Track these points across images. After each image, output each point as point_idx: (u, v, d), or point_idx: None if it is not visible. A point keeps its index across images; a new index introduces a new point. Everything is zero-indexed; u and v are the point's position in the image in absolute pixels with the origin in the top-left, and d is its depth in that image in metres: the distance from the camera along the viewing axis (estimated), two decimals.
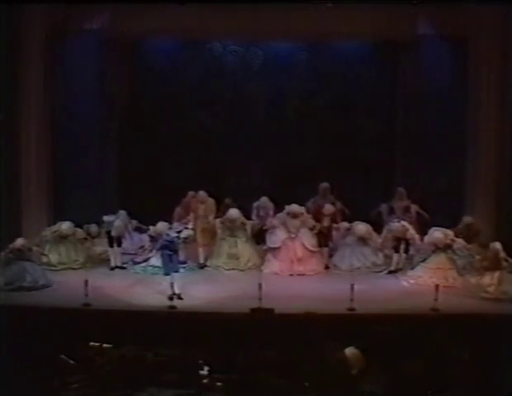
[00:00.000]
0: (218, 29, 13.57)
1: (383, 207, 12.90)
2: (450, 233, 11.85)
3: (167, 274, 10.77)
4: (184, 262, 12.06)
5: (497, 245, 11.05)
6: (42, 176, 13.18)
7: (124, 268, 12.33)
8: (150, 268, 12.01)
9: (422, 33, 13.69)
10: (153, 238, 12.03)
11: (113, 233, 12.27)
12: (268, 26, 13.42)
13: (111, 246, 12.34)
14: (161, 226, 11.69)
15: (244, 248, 12.59)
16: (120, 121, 15.07)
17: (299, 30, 13.55)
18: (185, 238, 11.34)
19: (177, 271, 10.88)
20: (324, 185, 13.00)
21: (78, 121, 14.00)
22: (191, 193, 13.06)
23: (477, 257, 11.58)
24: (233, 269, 12.41)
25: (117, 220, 12.31)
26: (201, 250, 12.57)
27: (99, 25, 13.46)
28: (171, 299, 10.20)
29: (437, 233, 11.79)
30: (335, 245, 12.79)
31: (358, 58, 15.19)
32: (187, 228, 11.59)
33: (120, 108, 15.10)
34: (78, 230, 12.59)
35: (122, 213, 12.48)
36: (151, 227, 12.15)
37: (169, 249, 10.89)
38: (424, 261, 11.83)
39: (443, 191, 13.66)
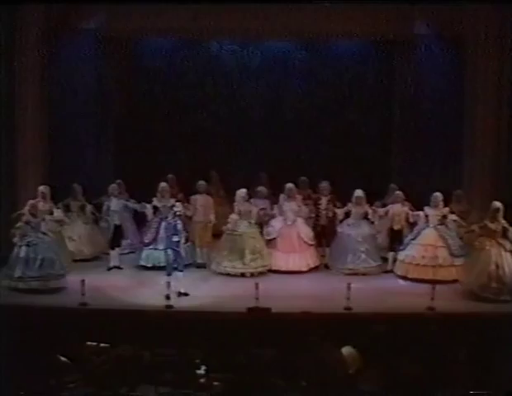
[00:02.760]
0: (215, 28, 13.55)
1: (376, 204, 12.91)
2: (447, 209, 11.91)
3: (169, 274, 10.81)
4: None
5: (497, 203, 10.94)
6: (39, 174, 13.15)
7: (121, 268, 12.31)
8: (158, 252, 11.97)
9: (419, 32, 13.71)
10: (156, 209, 12.06)
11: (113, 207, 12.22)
12: (266, 26, 13.42)
13: (112, 248, 12.33)
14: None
15: (248, 238, 12.03)
16: (117, 120, 15.10)
17: (296, 29, 13.56)
18: (178, 211, 11.19)
19: (181, 271, 10.92)
20: (324, 184, 12.93)
21: (75, 120, 14.02)
22: (170, 176, 13.01)
23: (474, 226, 11.29)
24: (238, 264, 11.85)
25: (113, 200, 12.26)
26: (198, 250, 12.55)
27: (96, 24, 13.47)
28: (168, 298, 10.21)
29: (437, 193, 11.82)
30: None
31: (356, 58, 15.24)
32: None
33: (117, 107, 15.12)
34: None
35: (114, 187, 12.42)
36: (154, 199, 12.10)
37: (174, 247, 10.85)
38: (414, 239, 11.85)
39: (440, 190, 13.62)
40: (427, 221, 11.85)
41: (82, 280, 10.22)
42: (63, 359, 8.16)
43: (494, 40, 12.93)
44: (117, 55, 14.75)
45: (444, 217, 11.80)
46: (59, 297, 10.63)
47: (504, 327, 9.23)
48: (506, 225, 10.83)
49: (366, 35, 13.94)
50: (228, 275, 11.86)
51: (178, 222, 11.06)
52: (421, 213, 11.97)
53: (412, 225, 12.27)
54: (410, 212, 12.13)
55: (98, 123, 14.61)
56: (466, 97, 13.47)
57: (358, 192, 12.18)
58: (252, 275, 11.77)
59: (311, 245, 12.40)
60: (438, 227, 11.75)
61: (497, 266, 10.68)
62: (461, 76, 13.50)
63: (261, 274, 11.85)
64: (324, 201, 12.60)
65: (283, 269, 12.12)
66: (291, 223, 12.31)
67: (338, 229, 12.38)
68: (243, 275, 11.81)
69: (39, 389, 7.68)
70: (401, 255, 11.94)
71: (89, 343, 8.55)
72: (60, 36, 13.31)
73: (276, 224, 12.41)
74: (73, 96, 13.89)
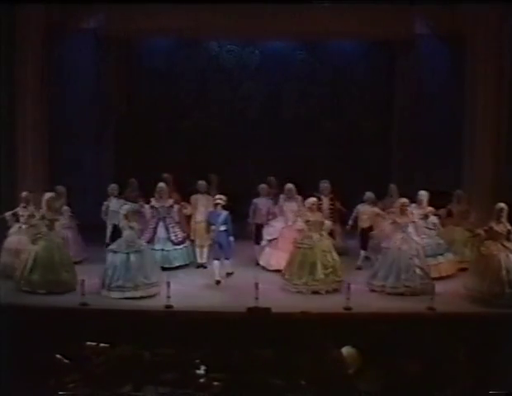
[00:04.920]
0: (215, 28, 13.57)
1: (379, 206, 12.89)
2: (431, 209, 11.82)
3: (217, 259, 11.30)
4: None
5: (501, 204, 10.76)
6: (39, 174, 13.17)
7: None
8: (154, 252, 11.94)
9: (420, 32, 13.72)
10: (155, 209, 12.13)
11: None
12: (265, 25, 13.44)
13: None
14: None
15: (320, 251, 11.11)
16: (116, 120, 15.11)
17: (296, 29, 13.57)
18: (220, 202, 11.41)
19: (227, 259, 11.45)
20: (326, 184, 12.92)
21: (75, 120, 14.02)
22: (166, 175, 12.94)
23: (479, 230, 10.99)
24: (310, 281, 10.94)
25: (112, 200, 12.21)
26: (198, 250, 12.53)
27: (96, 24, 13.48)
28: (169, 297, 10.18)
29: (422, 191, 11.81)
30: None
31: (356, 58, 15.25)
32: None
33: (117, 107, 15.13)
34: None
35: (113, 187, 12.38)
36: (152, 199, 12.14)
37: (222, 237, 11.24)
38: None
39: (439, 190, 13.63)
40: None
41: (82, 281, 10.23)
42: (63, 359, 8.17)
43: (494, 40, 12.94)
44: (117, 55, 14.78)
45: (426, 216, 11.78)
46: (59, 297, 10.62)
47: (505, 327, 9.23)
48: (510, 228, 10.80)
49: (366, 35, 13.94)
50: (299, 293, 10.91)
51: (223, 212, 11.33)
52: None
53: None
54: (381, 212, 12.13)
55: (98, 123, 14.61)
56: (466, 97, 13.48)
57: (403, 199, 11.35)
58: (327, 292, 10.87)
59: None
60: (418, 224, 11.59)
61: (507, 271, 10.44)
62: (461, 76, 13.51)
63: (336, 290, 10.89)
64: (325, 201, 12.58)
65: None
66: (291, 224, 12.30)
67: (384, 244, 11.39)
68: (316, 292, 10.87)
69: (39, 389, 7.68)
70: None
71: (89, 343, 8.55)
72: (60, 36, 13.33)
73: (276, 225, 12.41)
74: (73, 96, 13.90)
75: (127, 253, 10.71)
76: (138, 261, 10.70)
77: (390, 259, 11.01)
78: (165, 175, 13.22)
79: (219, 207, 11.39)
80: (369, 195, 12.31)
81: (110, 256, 10.81)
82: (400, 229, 11.14)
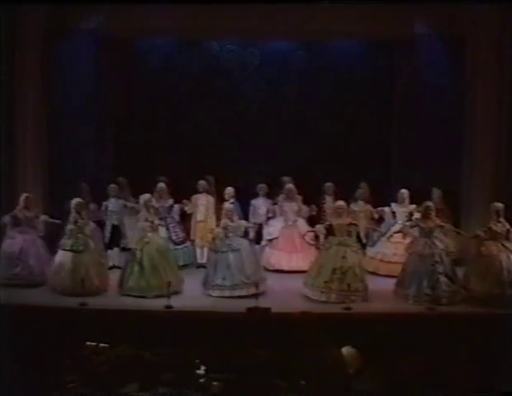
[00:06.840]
0: (215, 28, 13.56)
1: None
2: (414, 207, 11.78)
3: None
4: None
5: (498, 204, 10.74)
6: (38, 176, 13.16)
7: (121, 268, 12.28)
8: None
9: (420, 32, 13.70)
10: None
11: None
12: (265, 25, 13.42)
13: (111, 247, 12.28)
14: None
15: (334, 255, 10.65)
16: (116, 120, 15.10)
17: (296, 29, 13.54)
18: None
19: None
20: (329, 183, 12.99)
21: (74, 121, 14.00)
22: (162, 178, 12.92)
23: (478, 231, 10.86)
24: (316, 282, 10.60)
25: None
26: (199, 251, 12.54)
27: (96, 24, 13.44)
28: (168, 296, 10.17)
29: (403, 190, 11.98)
30: None
31: (355, 58, 15.21)
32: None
33: (117, 107, 15.12)
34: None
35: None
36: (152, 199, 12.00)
37: None
38: (383, 235, 11.92)
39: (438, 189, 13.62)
40: (395, 218, 11.93)
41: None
42: (63, 359, 8.17)
43: (494, 40, 12.92)
44: (117, 55, 14.77)
45: (411, 214, 11.77)
46: (59, 297, 10.62)
47: (505, 327, 9.23)
48: (509, 227, 10.77)
49: (366, 35, 13.92)
50: (309, 299, 10.61)
51: (237, 204, 12.26)
52: (386, 208, 12.11)
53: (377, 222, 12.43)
54: (372, 209, 12.28)
55: (98, 123, 14.59)
56: (466, 97, 13.47)
57: (428, 203, 10.87)
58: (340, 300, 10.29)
59: (312, 245, 12.38)
60: (406, 224, 11.59)
61: (509, 272, 10.39)
62: (461, 76, 13.49)
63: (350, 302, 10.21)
64: (329, 200, 12.61)
65: (286, 269, 12.10)
66: (291, 224, 12.32)
67: (407, 250, 11.01)
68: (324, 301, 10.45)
69: (39, 389, 7.69)
70: (371, 251, 12.00)
71: (89, 343, 8.56)
72: (60, 36, 13.30)
73: (277, 224, 12.43)
74: (73, 96, 13.87)
75: (225, 252, 10.70)
76: (237, 260, 10.62)
77: (411, 265, 10.60)
78: (120, 178, 13.14)
79: (233, 199, 12.04)
80: (361, 191, 12.49)
81: (211, 256, 10.93)
82: (423, 234, 10.69)
